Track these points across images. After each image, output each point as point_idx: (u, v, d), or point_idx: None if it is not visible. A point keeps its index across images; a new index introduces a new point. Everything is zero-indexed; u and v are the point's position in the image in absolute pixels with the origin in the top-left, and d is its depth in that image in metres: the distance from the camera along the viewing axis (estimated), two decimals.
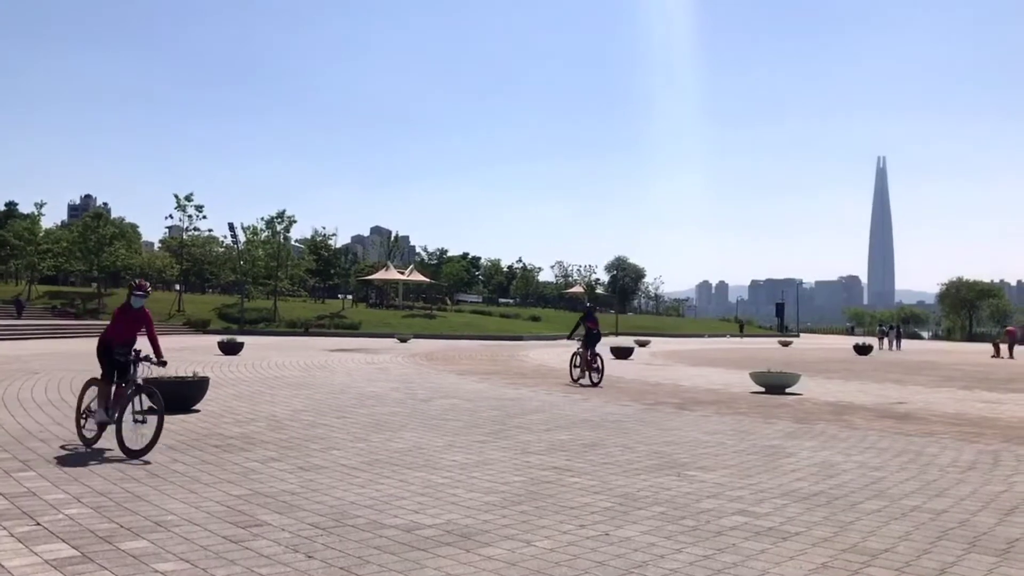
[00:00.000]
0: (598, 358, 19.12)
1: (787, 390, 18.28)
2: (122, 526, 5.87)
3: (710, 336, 77.40)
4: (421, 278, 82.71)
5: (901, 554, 5.50)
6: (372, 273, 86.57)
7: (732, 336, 78.26)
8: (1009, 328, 52.34)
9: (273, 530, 5.85)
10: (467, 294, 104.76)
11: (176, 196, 59.09)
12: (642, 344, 45.81)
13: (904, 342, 65.29)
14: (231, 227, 62.86)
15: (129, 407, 8.64)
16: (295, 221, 62.35)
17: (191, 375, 13.37)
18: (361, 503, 6.75)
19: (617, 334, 68.29)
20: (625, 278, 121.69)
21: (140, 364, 8.83)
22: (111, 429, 8.72)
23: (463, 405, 14.24)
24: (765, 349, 48.80)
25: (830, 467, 8.82)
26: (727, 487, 7.66)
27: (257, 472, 7.95)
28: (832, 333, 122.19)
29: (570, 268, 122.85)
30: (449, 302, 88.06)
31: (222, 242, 77.59)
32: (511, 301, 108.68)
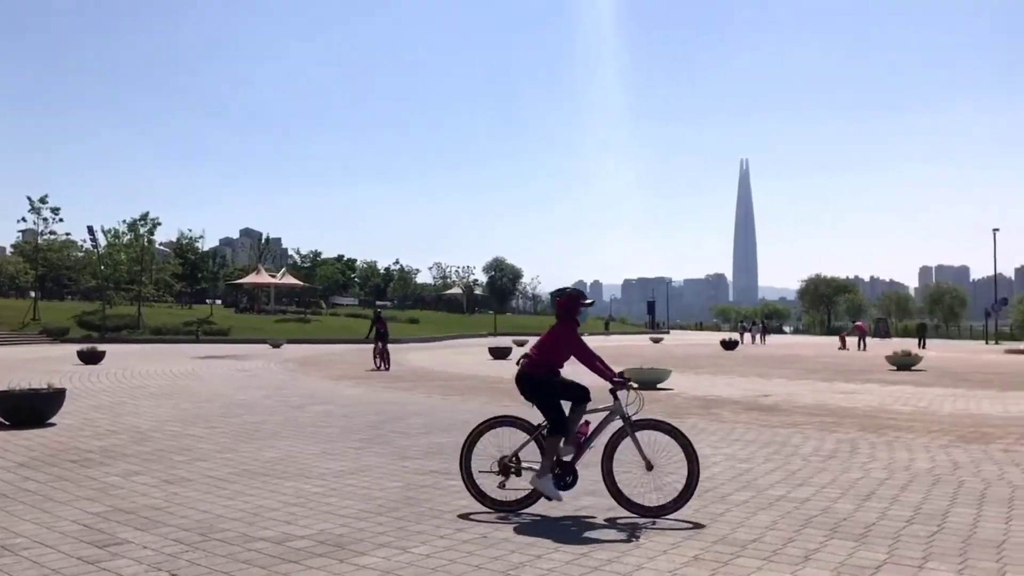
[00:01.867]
0: (386, 351, 25.55)
1: (659, 386, 18.75)
2: None
3: (589, 334, 78.66)
4: (294, 281, 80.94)
5: (768, 543, 5.67)
6: (242, 277, 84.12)
7: (590, 334, 78.91)
8: (858, 323, 56.27)
9: (134, 548, 5.54)
10: (343, 296, 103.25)
11: (29, 198, 55.83)
12: (520, 344, 46.03)
13: (768, 336, 68.34)
14: (90, 230, 59.76)
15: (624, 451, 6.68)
16: (159, 223, 59.84)
17: (45, 387, 12.60)
18: (229, 516, 6.49)
19: (496, 334, 68.58)
20: (503, 279, 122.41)
21: (625, 392, 6.60)
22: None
23: (338, 411, 13.96)
24: (637, 346, 49.98)
25: (701, 460, 9.03)
26: (603, 484, 7.73)
27: (117, 487, 7.55)
28: (701, 330, 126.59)
29: (448, 269, 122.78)
30: (324, 305, 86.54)
31: (81, 246, 73.81)
32: (388, 304, 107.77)
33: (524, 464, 6.70)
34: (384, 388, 18.47)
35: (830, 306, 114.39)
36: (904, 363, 25.79)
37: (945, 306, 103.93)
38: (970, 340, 73.69)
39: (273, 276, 79.05)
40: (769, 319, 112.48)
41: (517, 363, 6.89)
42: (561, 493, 6.64)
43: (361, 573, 5.02)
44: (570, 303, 6.84)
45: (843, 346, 46.64)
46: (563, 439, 6.56)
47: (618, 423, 6.70)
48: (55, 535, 5.87)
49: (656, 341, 59.13)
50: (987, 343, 62.33)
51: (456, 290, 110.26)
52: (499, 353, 32.56)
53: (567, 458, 6.61)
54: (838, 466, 8.70)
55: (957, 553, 5.44)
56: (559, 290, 7.68)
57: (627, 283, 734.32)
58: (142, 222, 59.06)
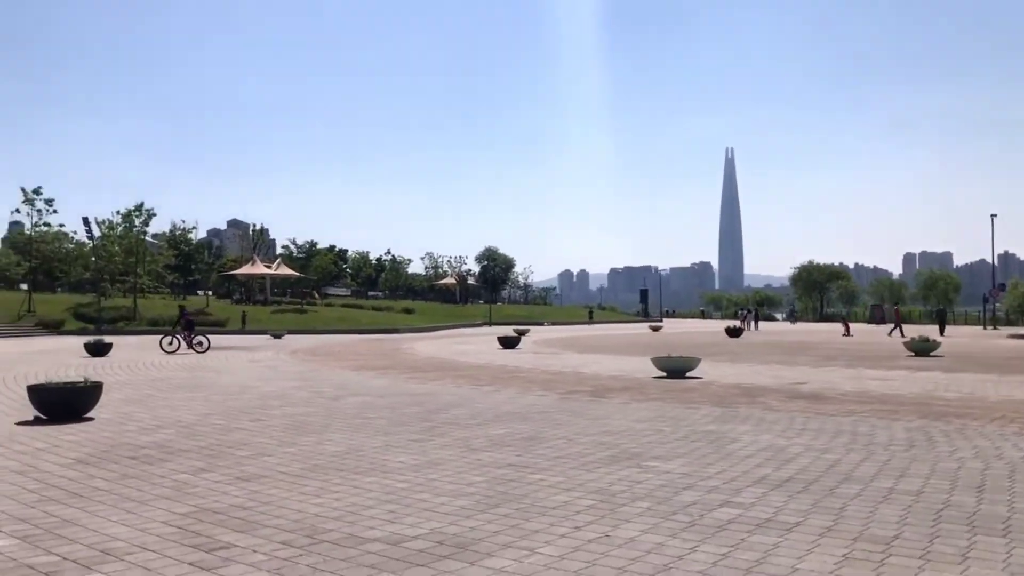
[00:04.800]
0: (199, 336, 30.05)
1: (688, 374, 18.49)
2: (65, 558, 5.11)
3: (577, 324, 78.58)
4: (289, 272, 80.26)
5: (912, 540, 5.39)
6: (235, 268, 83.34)
7: (553, 323, 78.92)
8: (896, 307, 56.23)
9: (244, 552, 5.21)
10: (336, 287, 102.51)
11: (23, 189, 54.93)
12: (521, 333, 45.86)
13: (760, 323, 68.55)
14: (86, 221, 58.98)
15: None
16: (154, 214, 59.03)
17: (82, 380, 12.17)
18: (326, 515, 6.16)
19: (491, 324, 68.26)
20: (495, 268, 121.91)
21: None
22: None
23: (377, 402, 13.61)
24: (638, 334, 49.76)
25: (780, 451, 8.78)
26: (695, 477, 7.46)
27: (192, 485, 7.20)
28: (690, 317, 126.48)
29: (440, 259, 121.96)
30: (318, 296, 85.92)
31: (72, 238, 72.81)
32: (380, 294, 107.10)
33: None
34: (408, 379, 18.12)
35: (823, 293, 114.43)
36: (923, 348, 25.64)
37: (939, 292, 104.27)
38: (965, 326, 73.89)
39: (268, 267, 78.32)
40: (761, 306, 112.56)
41: None
42: None
43: None
44: None
45: (847, 332, 46.51)
46: None
47: None
48: (152, 538, 5.54)
49: (655, 329, 58.92)
50: (985, 328, 62.49)
51: (449, 280, 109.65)
52: (508, 343, 32.28)
53: None
54: (927, 456, 8.43)
55: None
56: None
57: (614, 272, 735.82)
58: (137, 213, 58.26)
